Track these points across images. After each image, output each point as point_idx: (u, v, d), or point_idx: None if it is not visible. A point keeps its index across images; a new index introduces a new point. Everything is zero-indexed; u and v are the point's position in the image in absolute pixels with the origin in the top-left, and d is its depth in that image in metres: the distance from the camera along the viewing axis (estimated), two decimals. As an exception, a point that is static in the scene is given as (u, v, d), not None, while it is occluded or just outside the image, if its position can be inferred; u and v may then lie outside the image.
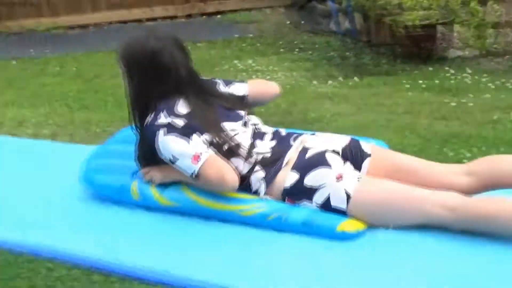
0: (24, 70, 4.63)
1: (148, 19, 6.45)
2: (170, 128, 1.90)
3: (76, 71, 4.43)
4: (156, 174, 1.99)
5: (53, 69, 4.58)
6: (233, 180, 1.86)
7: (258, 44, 5.09)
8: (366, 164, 1.93)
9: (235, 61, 4.48)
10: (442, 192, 1.75)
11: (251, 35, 5.41)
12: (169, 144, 1.88)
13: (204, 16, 6.49)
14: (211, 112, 1.99)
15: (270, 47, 4.96)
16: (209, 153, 1.87)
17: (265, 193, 1.90)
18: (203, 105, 1.98)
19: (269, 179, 1.90)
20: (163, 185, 1.98)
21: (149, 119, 1.95)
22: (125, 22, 6.37)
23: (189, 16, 6.51)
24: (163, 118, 1.92)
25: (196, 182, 1.89)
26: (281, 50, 4.86)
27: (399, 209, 1.78)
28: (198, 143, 1.88)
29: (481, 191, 1.85)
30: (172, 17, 6.49)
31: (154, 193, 1.99)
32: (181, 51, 2.02)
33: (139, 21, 6.39)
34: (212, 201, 1.91)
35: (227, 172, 1.86)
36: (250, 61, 4.45)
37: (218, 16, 6.44)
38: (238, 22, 6.03)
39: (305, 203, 1.86)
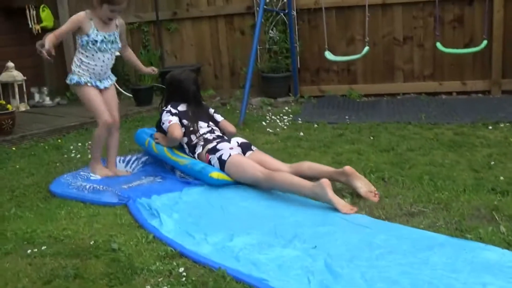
0: (323, 132, 4.98)
1: (442, 93, 6.42)
2: (167, 112, 3.91)
3: (372, 141, 4.54)
4: (159, 138, 3.96)
5: (351, 135, 4.77)
6: (178, 134, 3.79)
7: None
8: (248, 153, 3.65)
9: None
10: (262, 168, 3.43)
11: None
12: (164, 116, 3.91)
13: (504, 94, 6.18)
14: (195, 114, 3.94)
15: None
16: (174, 122, 3.83)
17: (200, 152, 3.72)
18: (194, 109, 3.97)
19: (203, 148, 3.72)
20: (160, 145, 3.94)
21: (164, 107, 3.99)
22: (419, 93, 6.45)
23: (487, 92, 6.27)
24: (168, 107, 3.94)
25: (168, 138, 3.87)
26: None
27: (244, 172, 3.45)
28: (173, 119, 3.84)
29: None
30: (468, 93, 6.34)
31: (153, 147, 3.99)
32: (195, 84, 4.05)
33: (433, 94, 6.40)
34: (171, 155, 3.82)
35: (176, 132, 3.79)
36: None
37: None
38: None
39: (213, 156, 3.61)
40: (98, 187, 3.61)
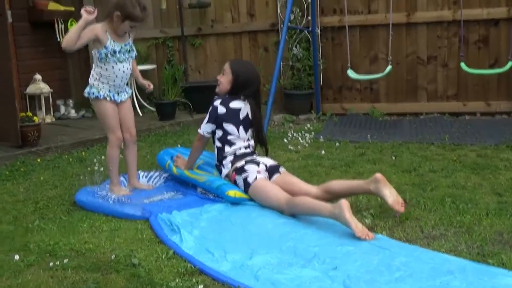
0: (345, 151, 4.97)
1: (466, 113, 6.37)
2: (212, 111, 3.74)
3: (394, 161, 4.51)
4: (179, 163, 3.98)
5: (372, 155, 4.76)
6: (201, 148, 3.89)
7: None
8: (275, 176, 3.63)
9: None
10: (285, 194, 3.39)
11: None
12: (209, 110, 3.77)
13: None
14: (245, 118, 3.78)
15: None
16: (201, 133, 3.79)
17: (228, 171, 3.71)
18: (251, 111, 3.79)
19: (232, 163, 3.70)
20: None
21: (216, 97, 3.84)
22: (442, 113, 6.40)
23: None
24: (217, 101, 3.76)
25: (193, 145, 3.95)
26: None
27: (266, 199, 3.43)
28: (208, 126, 3.76)
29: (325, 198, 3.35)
30: (492, 113, 6.28)
31: (173, 170, 4.00)
32: (259, 84, 3.90)
33: (456, 114, 6.35)
34: (190, 174, 3.85)
35: (201, 144, 3.87)
36: None
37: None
38: None
39: (239, 177, 3.58)
40: (122, 199, 3.66)
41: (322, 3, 6.69)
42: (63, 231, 3.23)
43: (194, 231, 3.10)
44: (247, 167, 3.61)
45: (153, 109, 6.87)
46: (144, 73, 7.16)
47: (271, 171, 3.66)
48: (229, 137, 3.74)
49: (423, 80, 6.55)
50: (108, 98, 3.78)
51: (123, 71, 3.81)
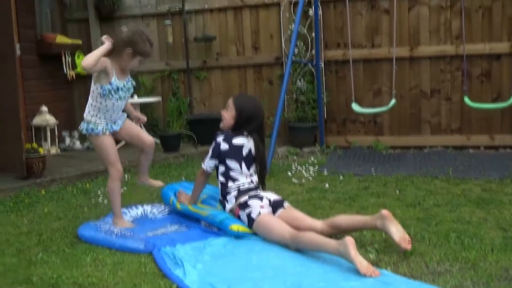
0: (349, 184, 4.96)
1: (470, 147, 6.38)
2: (215, 147, 3.78)
3: (398, 195, 4.50)
4: (182, 199, 4.02)
5: (376, 188, 4.75)
6: (198, 181, 3.94)
7: None
8: (279, 211, 3.60)
9: None
10: (289, 229, 3.36)
11: None
12: (212, 147, 3.79)
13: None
14: (248, 155, 3.78)
15: None
16: (204, 168, 3.84)
17: (232, 206, 3.70)
18: (255, 147, 3.79)
19: (236, 198, 3.71)
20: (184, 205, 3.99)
21: (220, 132, 3.84)
22: (446, 147, 6.41)
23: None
24: (220, 137, 3.79)
25: (196, 180, 3.96)
26: None
27: (270, 234, 3.42)
28: (211, 161, 3.80)
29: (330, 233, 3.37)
30: (496, 147, 6.29)
31: (177, 205, 4.02)
32: (263, 118, 3.87)
33: (460, 147, 6.36)
34: (193, 208, 3.90)
35: (198, 180, 3.93)
36: None
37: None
38: None
39: (242, 212, 3.58)
40: (125, 233, 3.65)
41: (326, 37, 6.78)
42: (66, 264, 3.22)
43: (198, 265, 3.09)
44: (250, 202, 3.60)
45: (157, 140, 6.90)
46: (149, 105, 7.25)
47: (275, 206, 3.64)
48: (231, 173, 3.75)
49: (426, 114, 6.58)
50: (107, 132, 3.81)
51: (120, 107, 3.85)
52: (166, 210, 4.20)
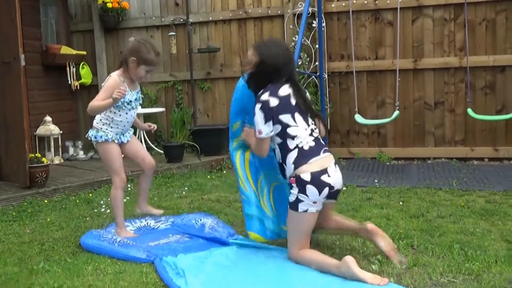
0: (352, 195, 4.94)
1: (474, 158, 6.36)
2: (264, 107, 3.18)
3: (401, 206, 4.48)
4: (247, 134, 3.41)
5: (380, 199, 4.74)
6: (264, 154, 3.28)
7: None
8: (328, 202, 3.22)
9: None
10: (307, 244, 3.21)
11: None
12: (256, 113, 3.20)
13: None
14: (297, 103, 3.23)
15: None
16: (265, 136, 3.20)
17: (291, 172, 3.16)
18: (297, 94, 3.25)
19: (295, 163, 3.15)
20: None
21: (261, 94, 3.23)
22: (450, 158, 6.40)
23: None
24: (265, 94, 3.20)
25: (253, 148, 3.35)
26: None
27: (292, 235, 3.22)
28: (267, 126, 3.18)
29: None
30: (500, 159, 6.27)
31: (237, 158, 3.61)
32: (293, 59, 3.40)
33: (464, 159, 6.34)
34: (242, 177, 3.54)
35: (264, 149, 3.26)
36: None
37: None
38: None
39: (295, 189, 3.12)
40: (128, 242, 3.64)
41: (329, 49, 6.79)
42: (68, 274, 3.21)
43: (200, 275, 3.07)
44: (309, 190, 3.09)
45: (161, 151, 6.90)
46: (153, 116, 7.26)
47: (330, 195, 3.18)
48: (288, 130, 3.19)
49: (430, 125, 6.57)
50: (116, 141, 3.83)
51: (132, 117, 3.90)
52: (169, 222, 4.18)
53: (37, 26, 7.02)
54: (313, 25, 6.63)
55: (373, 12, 6.66)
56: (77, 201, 5.07)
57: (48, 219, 4.46)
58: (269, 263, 3.26)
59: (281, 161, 3.26)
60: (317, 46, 6.46)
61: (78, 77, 7.33)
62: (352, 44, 6.26)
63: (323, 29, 6.45)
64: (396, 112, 5.66)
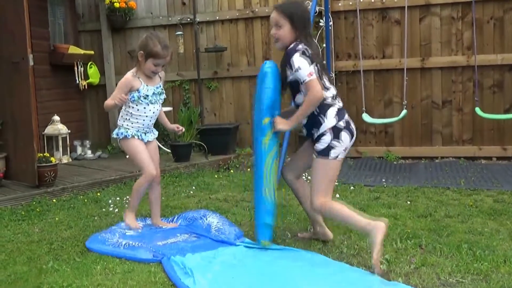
0: (359, 194, 4.94)
1: (482, 157, 6.34)
2: (303, 53, 3.19)
3: (409, 205, 4.48)
4: (278, 122, 3.38)
5: (387, 199, 4.74)
6: (322, 95, 3.16)
7: None
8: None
9: None
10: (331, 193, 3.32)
11: None
12: (297, 61, 3.16)
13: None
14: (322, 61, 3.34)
15: None
16: (315, 77, 3.15)
17: (334, 122, 3.23)
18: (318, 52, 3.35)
19: (338, 115, 3.24)
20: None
21: (298, 42, 3.25)
22: (458, 157, 6.38)
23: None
24: (300, 45, 3.23)
25: (308, 99, 3.18)
26: None
27: (320, 180, 3.28)
28: (313, 68, 3.17)
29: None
30: (509, 158, 6.24)
31: (265, 142, 3.44)
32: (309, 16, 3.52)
33: (472, 158, 6.32)
34: (268, 170, 3.43)
35: (319, 89, 3.14)
36: None
37: None
38: None
39: (328, 135, 3.23)
40: (133, 244, 3.64)
41: (336, 48, 6.78)
42: (77, 273, 3.22)
43: (208, 275, 3.08)
44: (343, 137, 3.24)
45: (168, 150, 6.92)
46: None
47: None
48: (322, 81, 3.24)
49: (438, 124, 6.55)
50: (136, 137, 3.88)
51: (153, 112, 3.93)
52: (178, 222, 4.18)
53: (45, 26, 7.04)
54: (320, 24, 6.62)
55: (381, 10, 6.65)
56: (85, 200, 5.09)
57: (57, 219, 4.48)
58: (276, 263, 3.26)
59: (317, 112, 3.24)
60: (324, 45, 6.45)
61: (86, 76, 7.36)
62: (359, 43, 6.25)
63: (330, 28, 6.44)
64: (404, 111, 5.65)
